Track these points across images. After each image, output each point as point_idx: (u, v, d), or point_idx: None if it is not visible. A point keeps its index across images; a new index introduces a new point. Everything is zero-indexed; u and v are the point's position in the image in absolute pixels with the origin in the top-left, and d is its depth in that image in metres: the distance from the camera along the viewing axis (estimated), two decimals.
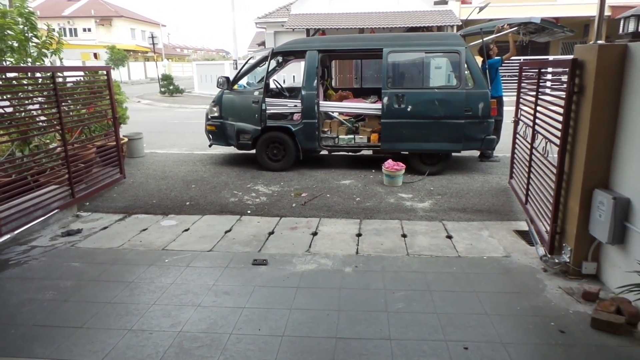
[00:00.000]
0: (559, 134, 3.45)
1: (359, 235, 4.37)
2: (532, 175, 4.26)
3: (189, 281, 3.44)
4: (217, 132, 7.09)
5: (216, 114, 7.06)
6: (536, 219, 4.00)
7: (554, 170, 3.54)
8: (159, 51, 45.57)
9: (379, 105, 6.48)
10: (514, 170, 5.35)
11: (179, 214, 5.02)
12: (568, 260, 3.40)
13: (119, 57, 32.11)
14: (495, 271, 3.55)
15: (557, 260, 3.50)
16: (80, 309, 3.03)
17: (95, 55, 36.77)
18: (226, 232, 4.47)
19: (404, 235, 4.31)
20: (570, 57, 3.34)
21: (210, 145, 7.55)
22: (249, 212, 5.09)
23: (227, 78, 6.92)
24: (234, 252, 3.99)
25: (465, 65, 6.02)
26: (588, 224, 3.26)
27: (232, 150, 7.91)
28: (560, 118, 3.45)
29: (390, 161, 6.05)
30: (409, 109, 6.12)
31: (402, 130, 6.22)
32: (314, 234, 4.41)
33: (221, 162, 7.58)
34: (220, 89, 7.02)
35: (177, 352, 2.57)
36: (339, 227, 4.57)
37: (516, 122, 5.14)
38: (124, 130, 7.73)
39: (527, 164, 4.40)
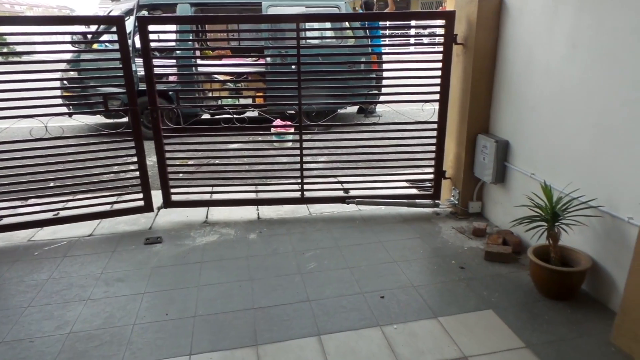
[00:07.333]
0: (435, 88, 3.52)
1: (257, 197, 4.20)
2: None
3: (70, 273, 2.95)
4: (78, 100, 6.13)
5: (74, 78, 6.08)
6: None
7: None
8: None
9: (261, 63, 6.20)
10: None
11: (43, 197, 4.26)
12: (457, 202, 3.68)
13: None
14: (394, 220, 3.70)
15: (447, 204, 3.77)
16: None
17: None
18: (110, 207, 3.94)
19: (302, 194, 4.25)
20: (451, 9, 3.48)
21: (70, 116, 6.52)
22: (130, 183, 4.53)
23: (85, 34, 5.96)
24: (120, 234, 3.55)
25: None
26: (473, 167, 3.54)
27: (98, 119, 6.97)
28: (434, 73, 3.48)
29: (278, 121, 5.90)
30: (293, 67, 5.97)
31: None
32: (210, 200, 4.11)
33: (86, 133, 6.62)
34: (75, 48, 6.02)
35: (71, 357, 2.18)
36: (234, 193, 4.32)
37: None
38: None
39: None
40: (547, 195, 2.56)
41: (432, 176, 3.80)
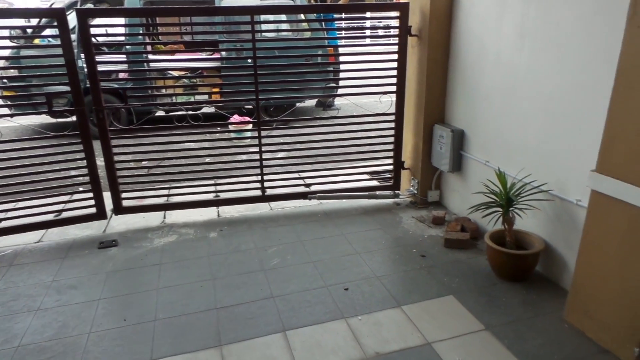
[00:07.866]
0: (392, 80, 3.54)
1: (217, 197, 4.10)
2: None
3: (17, 283, 2.78)
4: (20, 99, 5.77)
5: (15, 76, 5.71)
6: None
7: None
8: None
9: (217, 58, 6.06)
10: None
11: None
12: (416, 192, 3.74)
13: None
14: (356, 212, 3.72)
15: (407, 194, 3.83)
16: None
17: None
18: (55, 215, 3.73)
19: (263, 192, 4.19)
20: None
21: (12, 117, 6.13)
22: (81, 189, 4.32)
23: (24, 28, 5.60)
24: (72, 238, 3.38)
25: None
26: (430, 157, 3.60)
27: (44, 119, 6.61)
28: (391, 65, 3.49)
29: (236, 116, 5.80)
30: (249, 61, 5.86)
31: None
32: (166, 203, 3.99)
33: (30, 135, 6.26)
34: (15, 44, 5.67)
35: None
36: (191, 195, 4.20)
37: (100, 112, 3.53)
38: None
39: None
40: (501, 182, 2.64)
41: (391, 167, 3.84)
